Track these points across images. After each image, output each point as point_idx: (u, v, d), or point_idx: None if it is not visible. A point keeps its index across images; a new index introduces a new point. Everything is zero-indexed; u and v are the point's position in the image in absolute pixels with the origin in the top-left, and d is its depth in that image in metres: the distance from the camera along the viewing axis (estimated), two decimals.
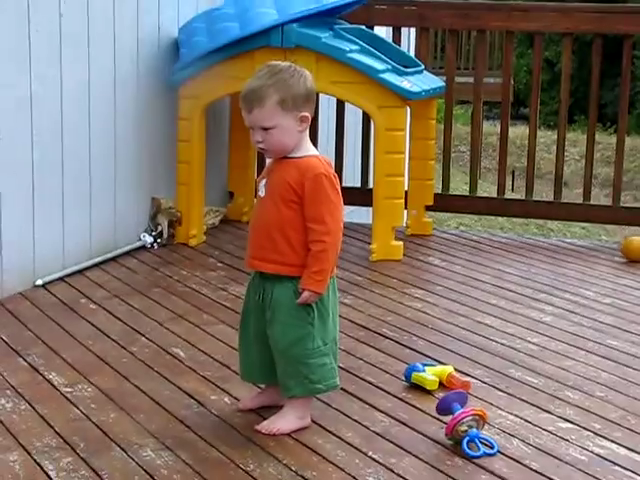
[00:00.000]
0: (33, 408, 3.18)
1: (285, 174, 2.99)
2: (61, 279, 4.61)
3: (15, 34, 4.30)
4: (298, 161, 3.00)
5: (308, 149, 3.04)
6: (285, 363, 3.04)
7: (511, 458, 2.93)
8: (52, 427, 3.05)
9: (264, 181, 3.07)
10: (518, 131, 18.44)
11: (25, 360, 3.61)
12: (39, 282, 4.49)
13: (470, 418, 2.97)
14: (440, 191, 6.05)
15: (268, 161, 3.17)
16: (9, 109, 4.29)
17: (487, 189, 12.82)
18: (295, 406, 3.07)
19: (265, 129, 2.94)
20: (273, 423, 3.05)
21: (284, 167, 3.01)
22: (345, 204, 6.53)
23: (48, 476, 2.74)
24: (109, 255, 4.98)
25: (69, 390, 3.34)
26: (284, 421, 3.05)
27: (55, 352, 3.70)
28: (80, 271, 4.75)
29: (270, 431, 3.02)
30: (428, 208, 5.84)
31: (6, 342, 3.79)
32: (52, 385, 3.38)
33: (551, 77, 23.39)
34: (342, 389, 3.37)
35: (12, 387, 3.35)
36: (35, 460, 2.83)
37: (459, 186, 11.24)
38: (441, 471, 2.84)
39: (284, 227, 2.98)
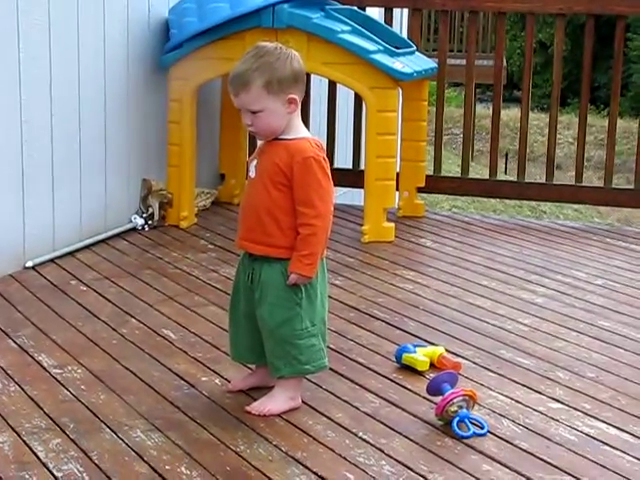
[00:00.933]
0: (22, 389, 3.17)
1: (275, 156, 2.98)
2: (51, 261, 4.60)
3: (3, 15, 4.27)
4: (288, 143, 2.98)
5: (299, 131, 3.02)
6: (273, 344, 3.03)
7: (501, 438, 2.93)
8: (41, 408, 3.04)
9: (255, 162, 3.05)
10: (512, 113, 18.42)
11: (15, 342, 3.60)
12: (29, 264, 4.48)
13: (460, 399, 2.96)
14: (432, 173, 6.03)
15: (259, 142, 3.15)
16: None
17: (480, 171, 12.82)
18: (285, 387, 3.07)
19: (253, 112, 2.93)
20: (263, 404, 3.04)
21: (274, 149, 3.00)
22: (337, 185, 6.52)
23: (37, 457, 2.73)
24: (100, 237, 4.97)
25: (59, 371, 3.33)
26: (274, 402, 3.05)
27: (45, 333, 3.69)
28: (70, 253, 4.74)
29: (260, 412, 3.02)
30: (420, 190, 5.84)
31: None
32: (42, 366, 3.38)
33: (544, 59, 23.38)
34: (333, 370, 3.37)
35: (1, 368, 3.34)
36: (24, 441, 2.82)
37: (452, 168, 11.24)
38: (431, 451, 2.84)
39: (273, 209, 2.97)
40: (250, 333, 3.10)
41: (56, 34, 4.58)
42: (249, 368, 3.29)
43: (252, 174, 3.04)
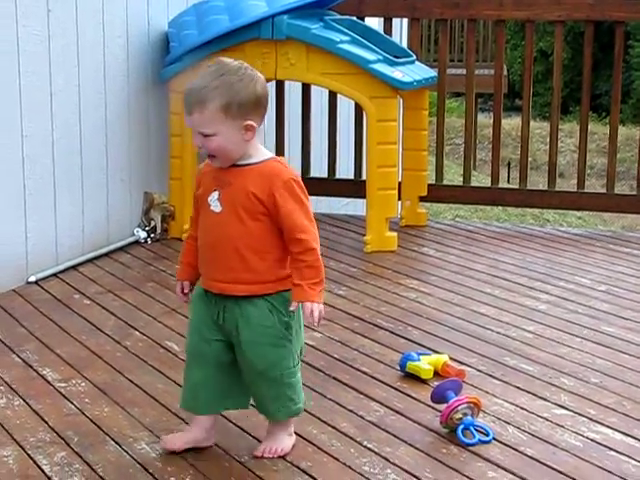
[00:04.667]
0: (27, 403, 3.17)
1: (247, 184, 2.68)
2: (54, 275, 4.60)
3: (3, 30, 4.28)
4: (259, 168, 2.70)
5: (264, 153, 2.74)
6: (265, 386, 2.79)
7: (506, 445, 2.92)
8: (46, 422, 3.03)
9: (216, 194, 2.72)
10: (514, 123, 18.41)
11: (19, 356, 3.60)
12: (32, 278, 4.48)
13: (465, 406, 2.96)
14: (434, 182, 6.03)
15: (208, 168, 2.78)
16: None
17: (483, 180, 12.81)
18: (284, 425, 2.87)
19: (205, 135, 2.65)
20: (272, 446, 2.83)
21: (243, 176, 2.69)
22: (339, 196, 6.56)
23: (42, 471, 2.73)
24: (102, 251, 4.97)
25: (63, 385, 3.33)
26: (280, 442, 2.85)
27: (49, 348, 3.69)
28: (73, 267, 4.74)
29: (273, 454, 2.82)
30: (422, 199, 5.83)
31: (0, 339, 3.78)
32: (46, 380, 3.37)
33: (546, 68, 23.38)
34: (337, 379, 3.38)
35: (6, 383, 3.34)
36: (29, 455, 2.82)
37: (455, 178, 11.24)
38: (436, 459, 2.83)
39: (254, 243, 2.69)
40: (216, 377, 2.81)
41: (56, 48, 4.59)
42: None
43: (216, 208, 2.71)
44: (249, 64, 2.79)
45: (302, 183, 2.73)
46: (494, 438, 2.95)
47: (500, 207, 11.58)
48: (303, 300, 2.68)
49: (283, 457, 2.81)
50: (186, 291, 2.87)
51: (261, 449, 2.84)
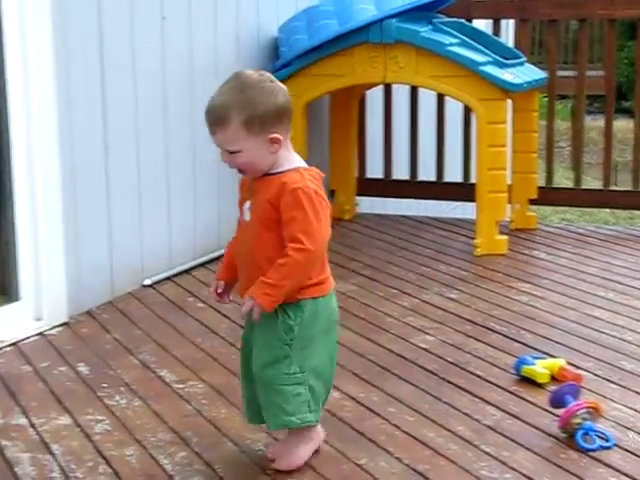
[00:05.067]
0: (146, 404, 3.23)
1: (266, 193, 2.65)
2: (168, 279, 4.68)
3: (118, 37, 4.37)
4: (279, 177, 2.64)
5: (293, 161, 2.69)
6: (259, 389, 2.74)
7: (628, 451, 2.87)
8: (165, 422, 3.09)
9: (248, 204, 2.72)
10: (619, 125, 17.95)
11: (137, 358, 3.67)
12: (147, 282, 4.56)
13: (584, 411, 2.92)
14: (544, 184, 5.95)
15: (241, 177, 2.82)
16: (115, 109, 4.36)
17: (591, 183, 12.60)
18: (297, 434, 2.81)
19: (231, 152, 2.64)
20: (286, 460, 2.79)
21: (265, 185, 2.67)
22: (447, 199, 6.50)
23: (164, 470, 2.78)
24: (214, 254, 5.03)
25: (180, 386, 3.38)
26: (294, 453, 2.79)
27: (165, 350, 3.75)
28: (186, 271, 4.81)
29: (289, 467, 2.76)
30: (532, 202, 5.76)
31: (118, 341, 3.86)
32: (164, 382, 3.43)
33: None
34: (451, 383, 3.37)
35: (126, 384, 3.41)
36: (151, 455, 2.87)
37: (561, 181, 11.07)
38: (556, 464, 2.80)
39: (269, 252, 2.64)
40: (253, 390, 2.80)
41: (169, 54, 4.67)
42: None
43: (247, 217, 2.72)
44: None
45: (315, 197, 2.61)
46: (615, 444, 2.90)
47: (608, 210, 11.38)
48: (247, 292, 2.65)
49: (400, 459, 2.81)
50: (219, 291, 2.84)
51: (276, 464, 2.78)
